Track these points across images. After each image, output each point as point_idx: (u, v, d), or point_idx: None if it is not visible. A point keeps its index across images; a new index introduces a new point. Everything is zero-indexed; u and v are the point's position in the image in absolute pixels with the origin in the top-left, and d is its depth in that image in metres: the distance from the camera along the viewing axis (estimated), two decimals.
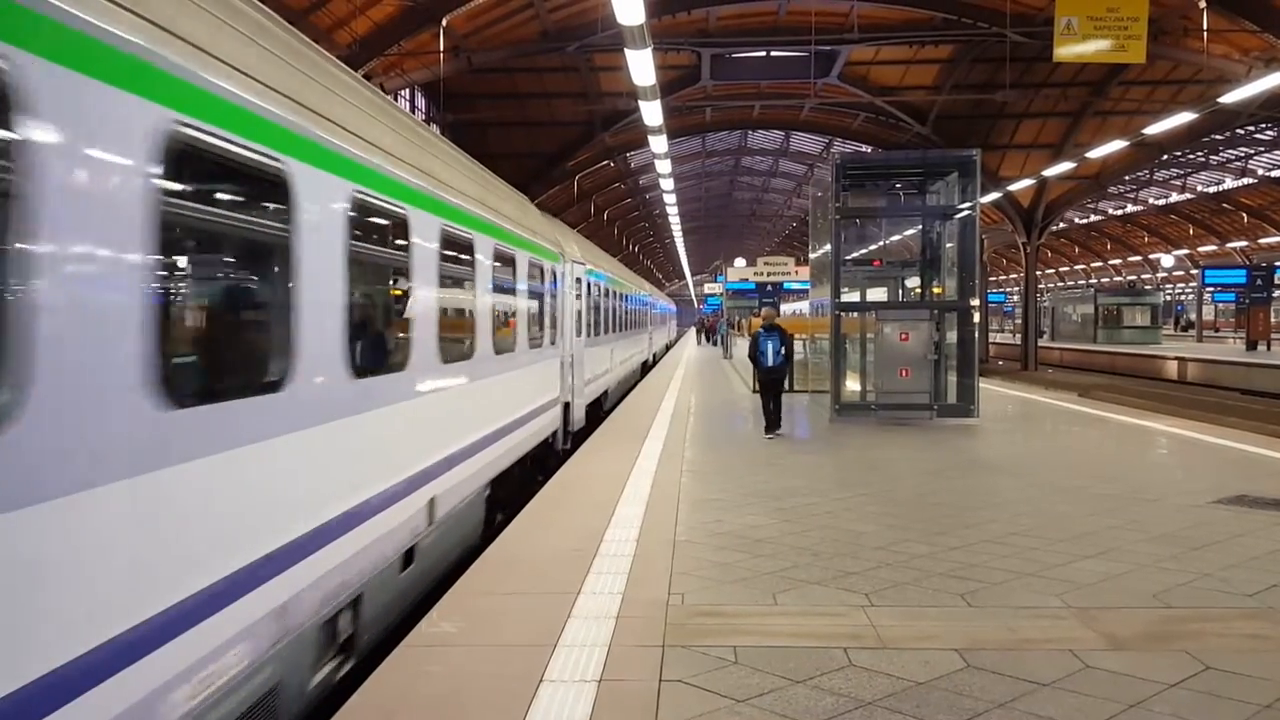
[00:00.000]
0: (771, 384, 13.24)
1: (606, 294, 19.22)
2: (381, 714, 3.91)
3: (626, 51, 15.10)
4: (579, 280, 14.39)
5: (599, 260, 19.20)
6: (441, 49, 23.35)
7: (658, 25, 23.40)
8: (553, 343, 11.78)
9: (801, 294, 36.02)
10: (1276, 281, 43.02)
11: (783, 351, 13.21)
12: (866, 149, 38.04)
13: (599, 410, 17.62)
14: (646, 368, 32.82)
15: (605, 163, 39.63)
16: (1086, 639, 4.71)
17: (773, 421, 13.03)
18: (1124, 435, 13.12)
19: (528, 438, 10.11)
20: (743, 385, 21.83)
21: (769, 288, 38.50)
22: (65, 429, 2.76)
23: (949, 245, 15.99)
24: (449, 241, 7.00)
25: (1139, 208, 61.76)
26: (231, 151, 3.76)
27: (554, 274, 12.06)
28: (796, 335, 20.87)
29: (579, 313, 14.38)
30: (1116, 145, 27.60)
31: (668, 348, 53.91)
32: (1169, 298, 76.67)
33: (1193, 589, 5.59)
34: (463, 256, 7.53)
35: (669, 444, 11.89)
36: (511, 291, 9.54)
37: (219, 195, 4.06)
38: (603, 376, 17.95)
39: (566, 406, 12.99)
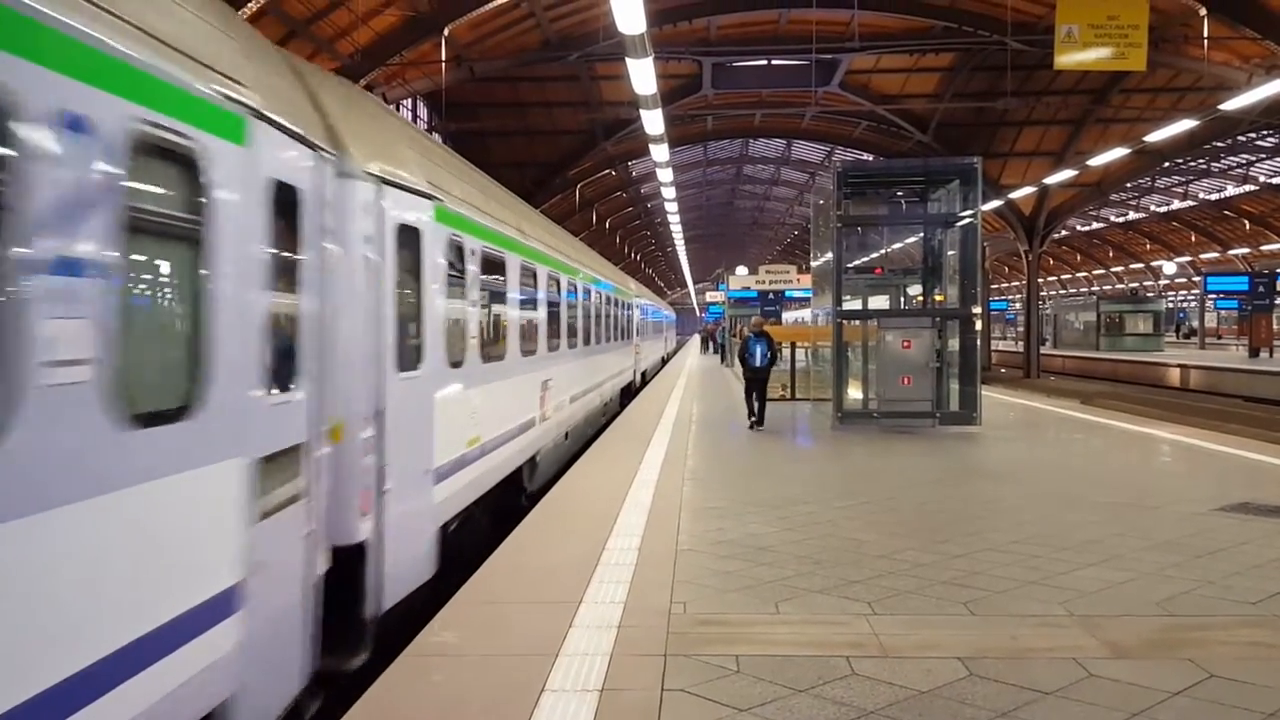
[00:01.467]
0: (757, 382, 14.70)
1: (532, 280, 10.65)
2: None
3: (628, 60, 15.16)
4: (415, 232, 6.28)
5: (507, 214, 10.02)
6: (443, 58, 23.40)
7: (659, 34, 23.46)
8: (199, 407, 3.58)
9: (804, 302, 36.07)
10: (1279, 288, 42.96)
11: (769, 354, 14.76)
12: (868, 157, 38.13)
13: (520, 498, 9.99)
14: (631, 392, 24.49)
15: (607, 171, 39.74)
16: (1090, 647, 4.70)
17: (756, 415, 14.58)
18: (1127, 443, 13.10)
19: None
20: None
21: (771, 296, 38.54)
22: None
23: (951, 253, 15.98)
24: None
25: (1141, 215, 61.73)
26: None
27: (238, 183, 3.93)
28: (799, 344, 21.30)
29: (423, 310, 6.46)
30: (1118, 153, 27.63)
31: (664, 361, 45.23)
32: (1171, 305, 76.62)
33: (1196, 597, 5.57)
34: None
35: (671, 453, 11.87)
36: None
37: None
38: (505, 444, 9.02)
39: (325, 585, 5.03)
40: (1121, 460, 11.78)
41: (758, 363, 14.62)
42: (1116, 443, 13.21)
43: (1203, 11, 21.80)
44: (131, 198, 3.15)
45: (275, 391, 4.30)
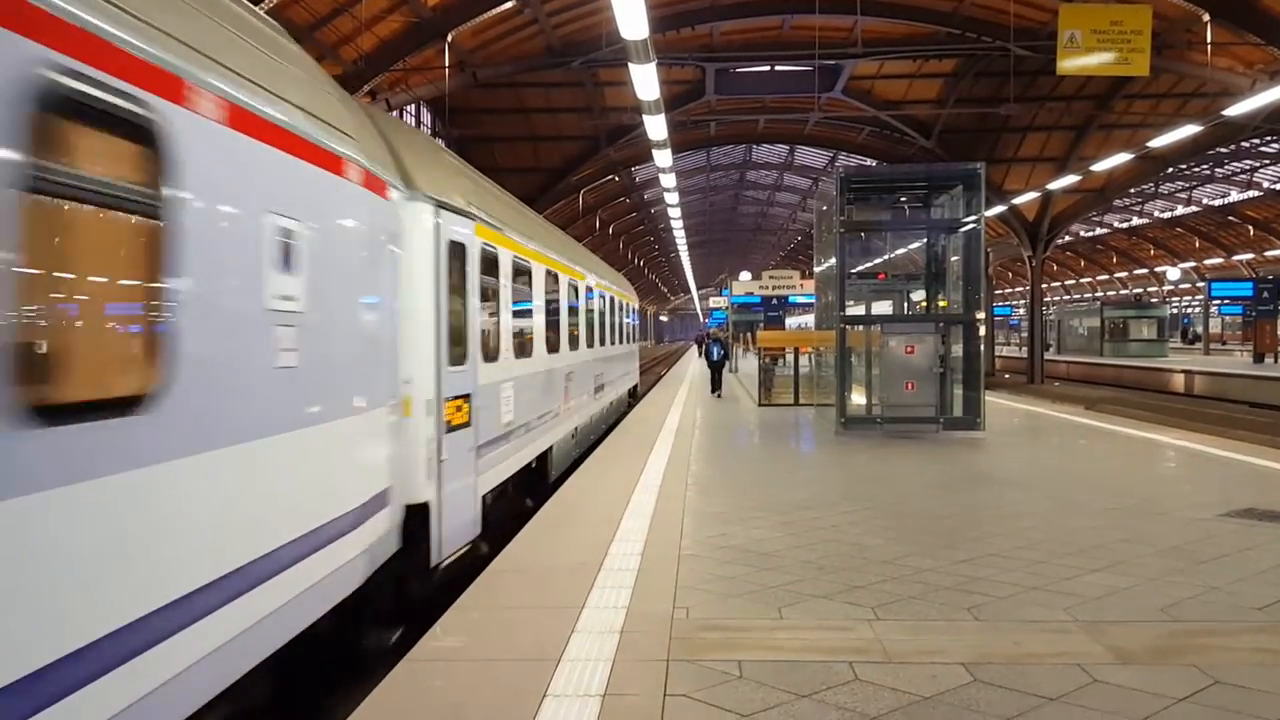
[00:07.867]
0: (716, 368, 23.04)
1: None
2: None
3: (631, 66, 15.19)
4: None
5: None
6: (447, 64, 23.47)
7: (662, 40, 23.49)
8: None
9: (807, 307, 36.09)
10: None
11: (723, 352, 23.33)
12: (871, 163, 38.16)
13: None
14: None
15: (610, 177, 39.81)
16: (1094, 653, 4.68)
17: (716, 386, 22.68)
18: (1131, 448, 13.07)
19: None
20: (749, 399, 21.84)
21: (775, 301, 38.63)
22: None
23: (954, 258, 15.97)
24: None
25: (1144, 221, 61.75)
26: None
27: None
28: (802, 349, 21.74)
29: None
30: (1121, 158, 27.61)
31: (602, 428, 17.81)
32: (1175, 310, 76.52)
33: (1201, 603, 5.55)
34: None
35: (674, 458, 11.86)
36: None
37: None
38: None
39: None
40: (1126, 466, 11.75)
41: (715, 358, 23.21)
42: (1121, 448, 13.17)
43: (1206, 17, 21.81)
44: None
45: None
